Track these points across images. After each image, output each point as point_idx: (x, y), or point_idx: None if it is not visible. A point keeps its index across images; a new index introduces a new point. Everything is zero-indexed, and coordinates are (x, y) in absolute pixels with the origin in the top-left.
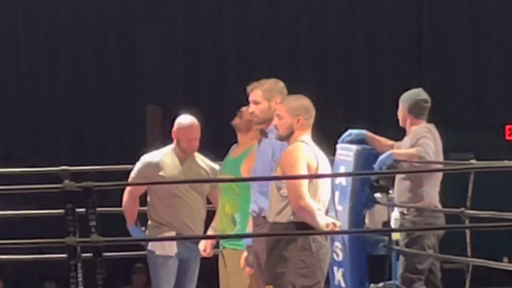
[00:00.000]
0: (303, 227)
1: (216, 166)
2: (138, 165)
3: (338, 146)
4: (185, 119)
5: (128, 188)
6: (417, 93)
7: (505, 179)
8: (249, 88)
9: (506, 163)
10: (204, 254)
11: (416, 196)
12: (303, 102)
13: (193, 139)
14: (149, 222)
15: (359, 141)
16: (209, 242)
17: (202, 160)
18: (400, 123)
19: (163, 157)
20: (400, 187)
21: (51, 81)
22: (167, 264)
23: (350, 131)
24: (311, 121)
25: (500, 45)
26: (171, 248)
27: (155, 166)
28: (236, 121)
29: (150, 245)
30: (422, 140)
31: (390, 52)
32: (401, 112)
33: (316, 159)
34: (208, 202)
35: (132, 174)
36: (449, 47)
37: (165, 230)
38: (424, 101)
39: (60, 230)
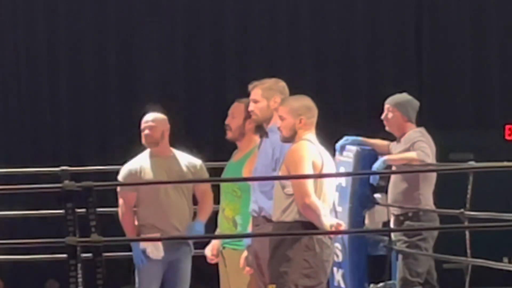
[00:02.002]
0: (308, 227)
1: (198, 161)
2: (120, 176)
3: (337, 147)
4: None
5: (120, 202)
6: (409, 98)
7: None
8: (250, 86)
9: (506, 163)
10: (212, 261)
11: (413, 200)
12: (304, 101)
13: (143, 128)
14: (137, 225)
15: (357, 145)
16: (216, 247)
17: (183, 157)
18: (392, 129)
19: (141, 162)
20: (396, 190)
21: (51, 81)
22: (151, 268)
23: (346, 137)
24: (314, 120)
25: (500, 45)
26: (158, 253)
27: (137, 173)
28: (229, 135)
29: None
30: (418, 144)
31: (390, 52)
32: (397, 117)
33: (321, 158)
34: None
35: (118, 189)
36: (449, 47)
37: (151, 233)
38: (417, 105)
39: (60, 230)
